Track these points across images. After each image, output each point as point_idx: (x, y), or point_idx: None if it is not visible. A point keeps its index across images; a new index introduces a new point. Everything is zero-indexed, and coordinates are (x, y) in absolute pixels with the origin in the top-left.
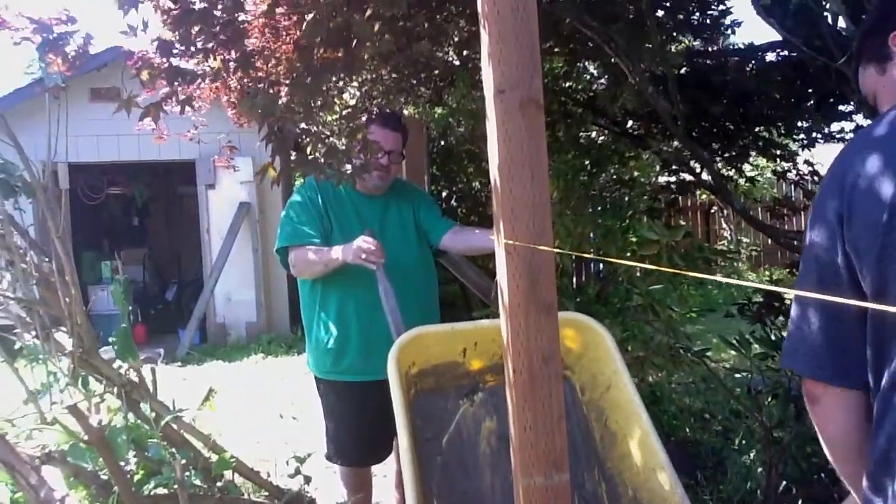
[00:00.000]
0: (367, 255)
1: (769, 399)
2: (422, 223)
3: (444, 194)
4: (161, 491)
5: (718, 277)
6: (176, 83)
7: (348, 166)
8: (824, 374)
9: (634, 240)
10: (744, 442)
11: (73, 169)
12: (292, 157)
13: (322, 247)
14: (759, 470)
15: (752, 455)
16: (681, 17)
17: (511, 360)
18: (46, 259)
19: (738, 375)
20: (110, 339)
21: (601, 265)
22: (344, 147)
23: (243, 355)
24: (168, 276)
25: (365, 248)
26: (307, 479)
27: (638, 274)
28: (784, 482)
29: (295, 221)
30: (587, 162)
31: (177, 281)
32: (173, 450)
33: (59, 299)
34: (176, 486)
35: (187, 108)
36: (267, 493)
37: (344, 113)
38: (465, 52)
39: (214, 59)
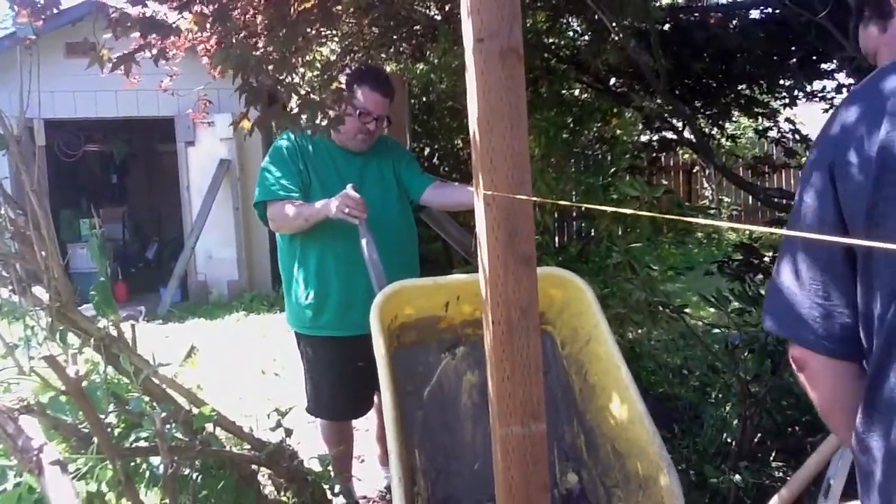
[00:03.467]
0: (351, 210)
1: (745, 354)
2: (402, 179)
3: (425, 152)
4: (142, 445)
5: (700, 220)
6: (151, 36)
7: (324, 120)
8: (811, 341)
9: (615, 197)
10: (720, 396)
11: (50, 125)
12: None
13: (302, 201)
14: (735, 423)
15: (727, 408)
16: None
17: (490, 311)
18: (21, 213)
19: (716, 331)
20: (89, 294)
21: (583, 224)
22: (319, 100)
23: (225, 313)
24: (148, 234)
25: (349, 203)
26: (288, 433)
27: (620, 233)
28: (759, 434)
29: (274, 175)
30: (569, 119)
31: (157, 239)
32: (154, 403)
33: (36, 253)
34: (157, 439)
35: (161, 61)
36: (249, 447)
37: (321, 66)
38: (447, 7)
39: (190, 11)
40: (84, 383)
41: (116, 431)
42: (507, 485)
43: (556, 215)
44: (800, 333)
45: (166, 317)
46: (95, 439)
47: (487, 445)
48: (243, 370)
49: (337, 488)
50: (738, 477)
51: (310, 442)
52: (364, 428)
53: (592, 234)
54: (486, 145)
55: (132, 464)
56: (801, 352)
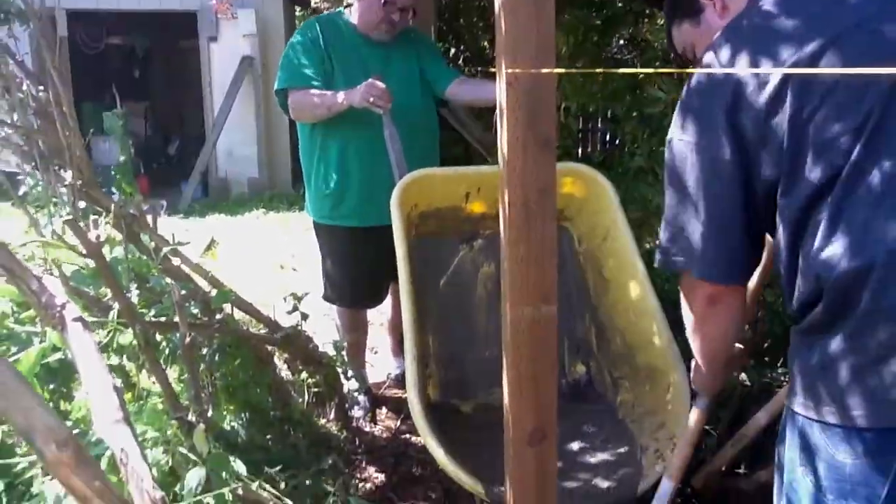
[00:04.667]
0: (376, 99)
1: None
2: (427, 72)
3: (451, 52)
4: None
5: None
6: None
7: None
8: (723, 276)
9: (644, 96)
10: None
11: (72, 16)
12: None
13: (324, 90)
14: (745, 327)
15: None
16: None
17: (507, 193)
18: (42, 89)
19: None
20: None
21: (607, 135)
22: None
23: (245, 210)
24: (170, 130)
25: (374, 92)
26: (304, 316)
27: (644, 136)
28: (768, 340)
29: (296, 63)
30: (599, 21)
31: (179, 135)
32: (173, 282)
33: (58, 130)
34: (176, 316)
35: None
36: (265, 329)
37: None
38: None
39: None
40: (106, 257)
41: (136, 309)
42: (515, 365)
43: (580, 120)
44: (712, 271)
45: (187, 211)
46: (115, 309)
47: (500, 334)
48: (262, 265)
49: (350, 373)
50: (743, 375)
51: (325, 332)
52: (378, 322)
53: (617, 141)
54: (512, 23)
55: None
56: (714, 287)
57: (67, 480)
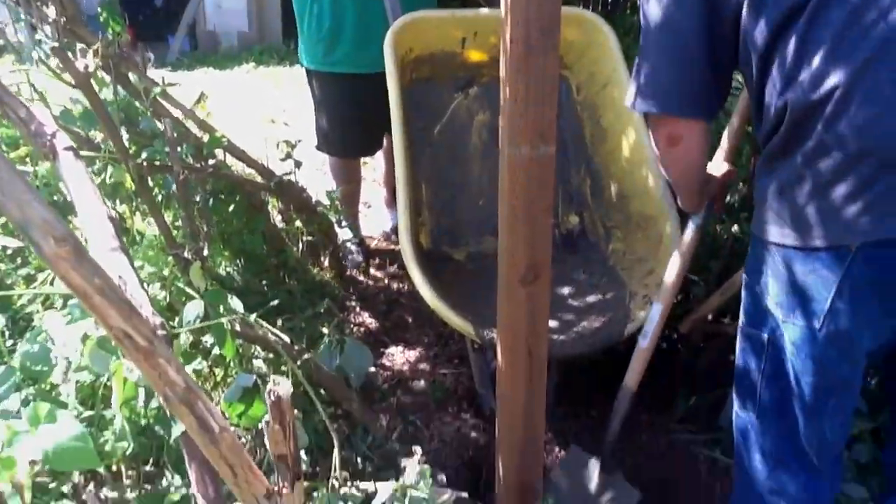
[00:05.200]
0: None
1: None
2: None
3: None
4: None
5: None
6: None
7: None
8: (686, 109)
9: None
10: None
11: None
12: None
13: None
14: (741, 184)
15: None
16: None
17: (509, 29)
18: None
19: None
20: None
21: None
22: None
23: (234, 64)
24: None
25: None
26: (297, 164)
27: None
28: None
29: None
30: None
31: None
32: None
33: None
34: (169, 160)
35: None
36: (258, 174)
37: None
38: None
39: None
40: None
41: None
42: (511, 205)
43: None
44: (678, 106)
45: (175, 65)
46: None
47: (494, 182)
48: (252, 119)
49: (344, 222)
50: (736, 227)
51: (319, 185)
52: (371, 178)
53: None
54: None
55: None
56: (675, 123)
57: (67, 276)
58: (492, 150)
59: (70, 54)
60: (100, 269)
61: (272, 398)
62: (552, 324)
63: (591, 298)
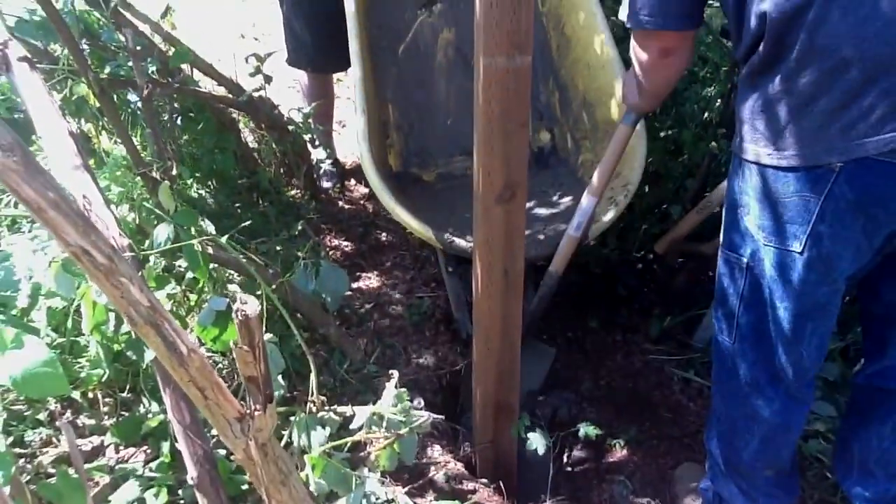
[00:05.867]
0: None
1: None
2: None
3: None
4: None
5: None
6: None
7: None
8: (683, 23)
9: None
10: (709, 74)
11: None
12: None
13: None
14: (717, 103)
15: (713, 89)
16: None
17: None
18: None
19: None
20: None
21: None
22: None
23: None
24: None
25: None
26: (268, 78)
27: None
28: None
29: None
30: None
31: None
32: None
33: None
34: (133, 75)
35: None
36: (226, 91)
37: None
38: None
39: None
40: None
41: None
42: (486, 119)
43: None
44: (680, 22)
45: None
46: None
47: (461, 102)
48: (221, 34)
49: (318, 142)
50: (713, 144)
51: (291, 103)
52: (346, 96)
53: None
54: None
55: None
56: (678, 37)
57: (18, 188)
58: (457, 68)
59: None
60: (54, 182)
61: (239, 318)
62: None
63: (559, 207)
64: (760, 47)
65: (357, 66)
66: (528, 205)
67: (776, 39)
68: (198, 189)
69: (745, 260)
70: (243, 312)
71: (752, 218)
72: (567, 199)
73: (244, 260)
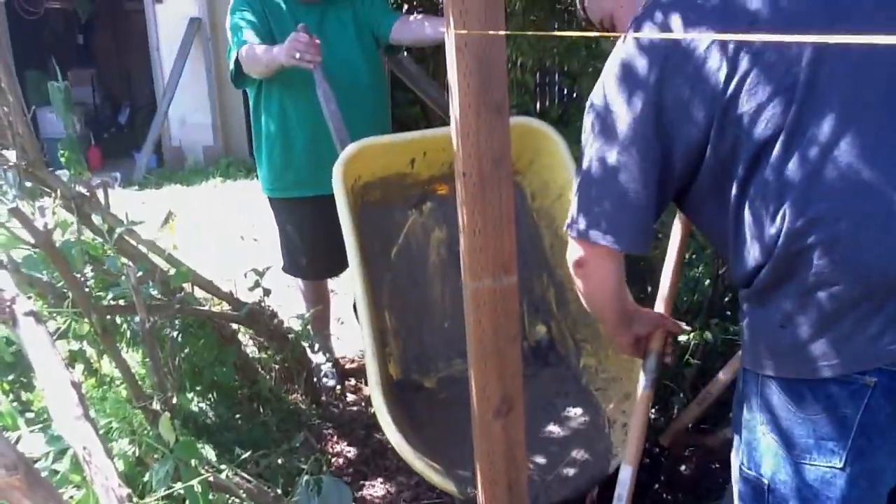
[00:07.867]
0: (302, 53)
1: None
2: (368, 21)
3: (404, 7)
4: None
5: None
6: None
7: None
8: (625, 243)
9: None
10: (694, 257)
11: None
12: None
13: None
14: (707, 283)
15: (700, 269)
16: None
17: (461, 162)
18: None
19: None
20: (58, 151)
21: (565, 89)
22: None
23: (202, 179)
24: (119, 97)
25: (298, 46)
26: (266, 292)
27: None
28: (729, 294)
29: (242, 25)
30: None
31: (129, 103)
32: (129, 263)
33: None
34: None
35: None
36: (228, 307)
37: None
38: None
39: None
40: (57, 242)
41: (93, 292)
42: (478, 338)
43: (537, 76)
44: (622, 239)
45: (142, 183)
46: (70, 298)
47: (457, 302)
48: (221, 236)
49: (317, 346)
50: (708, 334)
51: (291, 303)
52: (343, 291)
53: (574, 95)
54: None
55: (109, 319)
56: (609, 254)
57: None
58: (451, 267)
59: (29, 205)
60: (54, 493)
61: None
62: (534, 460)
63: (568, 426)
64: (768, 266)
65: (363, 307)
66: (535, 416)
67: (787, 261)
68: (199, 403)
69: (765, 481)
70: None
71: (777, 437)
72: (573, 416)
73: (245, 485)
